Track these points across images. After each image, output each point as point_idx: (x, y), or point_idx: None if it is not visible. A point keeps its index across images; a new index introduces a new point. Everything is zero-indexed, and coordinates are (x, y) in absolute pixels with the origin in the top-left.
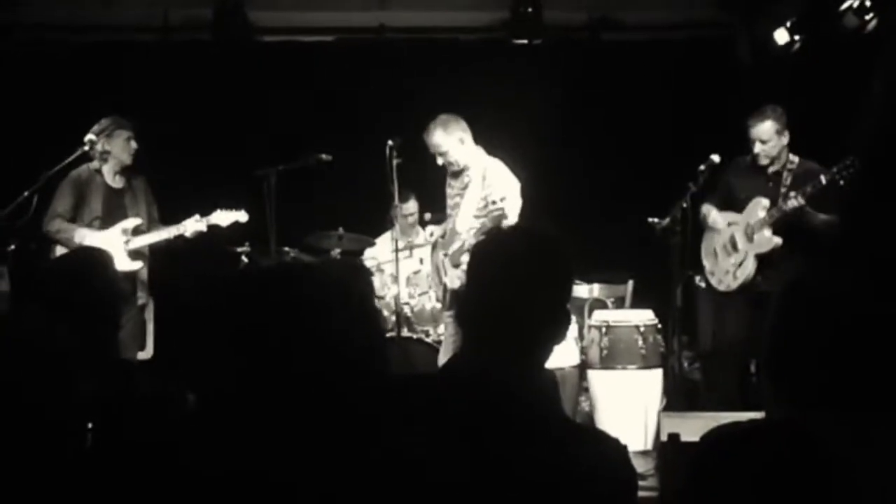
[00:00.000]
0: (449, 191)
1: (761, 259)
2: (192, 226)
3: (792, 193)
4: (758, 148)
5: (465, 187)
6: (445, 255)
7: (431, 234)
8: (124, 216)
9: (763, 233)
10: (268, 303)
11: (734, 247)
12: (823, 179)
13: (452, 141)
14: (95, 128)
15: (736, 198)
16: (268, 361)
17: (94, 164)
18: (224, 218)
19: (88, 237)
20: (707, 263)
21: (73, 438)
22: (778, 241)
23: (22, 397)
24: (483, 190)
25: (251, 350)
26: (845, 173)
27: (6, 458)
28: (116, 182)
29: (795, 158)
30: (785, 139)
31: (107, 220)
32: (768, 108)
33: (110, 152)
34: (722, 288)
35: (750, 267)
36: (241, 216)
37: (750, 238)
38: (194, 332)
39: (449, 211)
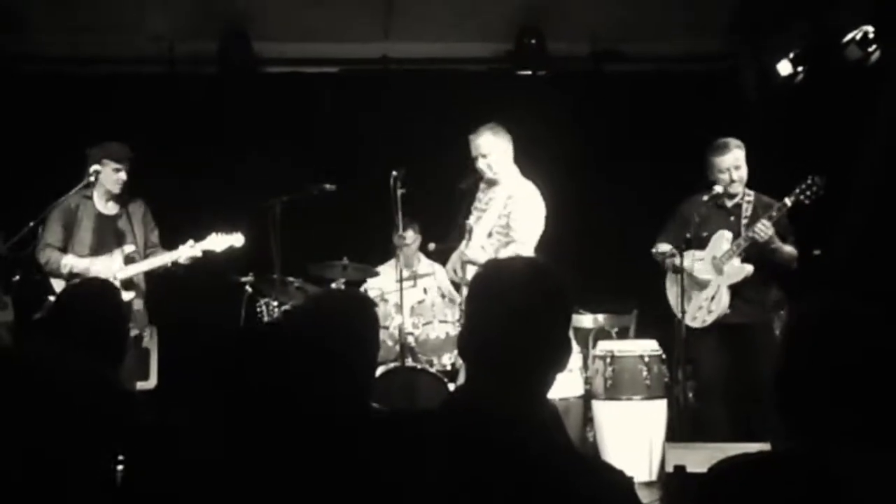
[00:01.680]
0: (477, 203)
1: (734, 290)
2: (187, 252)
3: (762, 223)
4: (734, 175)
5: (489, 204)
6: (461, 279)
7: (433, 248)
8: (118, 243)
9: (732, 263)
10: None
11: (704, 282)
12: (788, 202)
13: (499, 147)
14: (89, 153)
15: (698, 234)
16: (268, 401)
17: (86, 191)
18: (219, 242)
19: (77, 265)
20: (676, 304)
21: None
22: (750, 268)
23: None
24: (504, 210)
25: (249, 390)
26: (809, 193)
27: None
28: (109, 209)
29: (751, 192)
30: (746, 168)
31: (99, 249)
32: (731, 140)
33: (97, 180)
34: (696, 325)
35: (724, 299)
36: (237, 240)
37: (719, 271)
38: (197, 370)
39: (472, 223)
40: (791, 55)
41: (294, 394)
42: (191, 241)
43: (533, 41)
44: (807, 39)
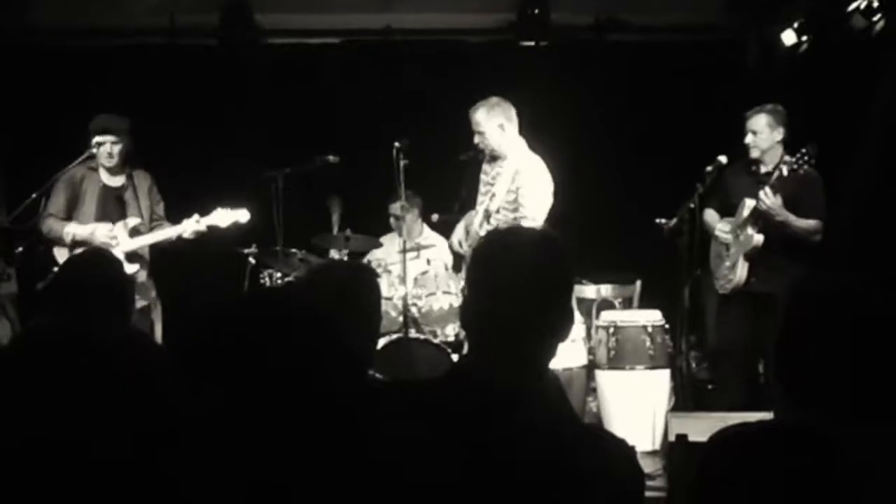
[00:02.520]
0: (483, 177)
1: (751, 259)
2: (191, 226)
3: (764, 192)
4: (748, 139)
5: (496, 178)
6: (470, 246)
7: (436, 219)
8: (123, 215)
9: (746, 231)
10: (270, 319)
11: (727, 250)
12: (785, 171)
13: (492, 124)
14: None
15: (731, 202)
16: (270, 373)
17: (91, 162)
18: (224, 218)
19: (79, 232)
20: (713, 266)
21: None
22: (759, 238)
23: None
24: (512, 184)
25: (252, 362)
26: (801, 161)
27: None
28: (114, 180)
29: (789, 158)
30: (777, 136)
31: (103, 220)
32: (769, 104)
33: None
34: (722, 291)
35: (740, 268)
36: (242, 216)
37: (737, 239)
38: (197, 341)
39: (480, 197)
40: (795, 25)
41: (295, 363)
42: (196, 216)
43: (536, 11)
44: (811, 9)
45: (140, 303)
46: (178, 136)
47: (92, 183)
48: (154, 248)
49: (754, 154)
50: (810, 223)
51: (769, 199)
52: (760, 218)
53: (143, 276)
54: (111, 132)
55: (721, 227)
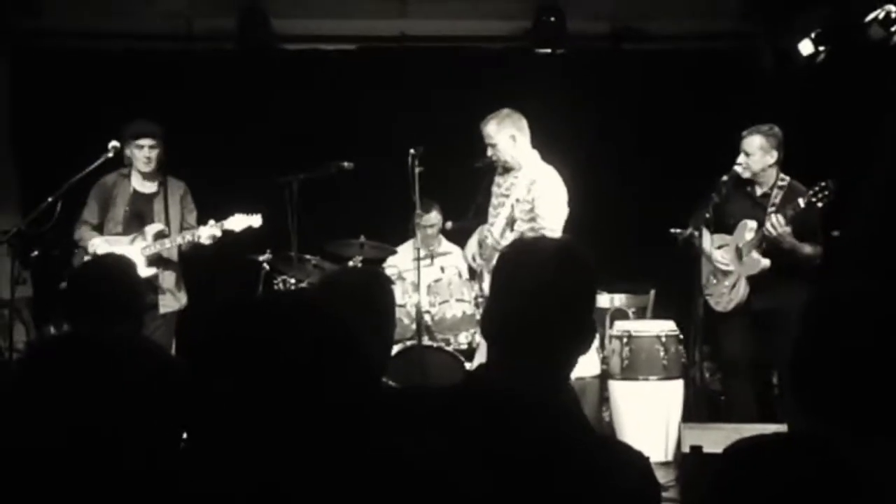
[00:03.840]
0: (495, 189)
1: (752, 280)
2: (207, 231)
3: (774, 218)
4: (741, 159)
5: (511, 190)
6: (485, 259)
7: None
8: (151, 221)
9: (752, 255)
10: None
11: (726, 269)
12: (801, 203)
13: (503, 136)
14: (122, 132)
15: (724, 220)
16: (281, 380)
17: (124, 169)
18: (239, 223)
19: (100, 246)
20: (706, 286)
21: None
22: (766, 263)
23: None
24: (528, 195)
25: (262, 362)
26: (822, 195)
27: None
28: (146, 187)
29: (786, 179)
30: (770, 159)
31: (130, 226)
32: (764, 125)
33: (130, 158)
34: (719, 309)
35: (742, 289)
36: (255, 221)
37: (740, 259)
38: (207, 339)
39: (492, 210)
40: (812, 35)
41: (306, 365)
42: (211, 221)
43: (552, 19)
44: (829, 19)
45: (166, 308)
46: (193, 141)
47: (123, 189)
48: (182, 254)
49: (745, 175)
50: (812, 250)
51: (780, 227)
52: (765, 241)
53: (169, 282)
54: (150, 136)
55: (720, 255)
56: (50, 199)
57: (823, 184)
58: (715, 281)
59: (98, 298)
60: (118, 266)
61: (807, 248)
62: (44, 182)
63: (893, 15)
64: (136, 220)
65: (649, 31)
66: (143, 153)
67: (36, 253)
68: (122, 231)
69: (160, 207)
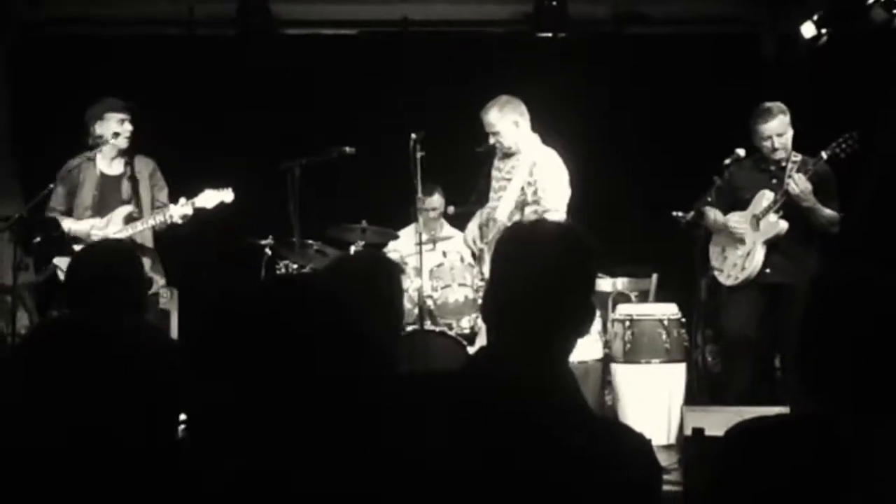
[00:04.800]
0: (496, 173)
1: (769, 247)
2: (178, 211)
3: (796, 175)
4: (776, 143)
5: (513, 172)
6: (486, 243)
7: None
8: (122, 203)
9: (768, 218)
10: (292, 302)
11: (741, 240)
12: (825, 155)
13: (506, 122)
14: (87, 114)
15: (742, 197)
16: (289, 361)
17: (89, 152)
18: (210, 199)
19: (74, 228)
20: (715, 262)
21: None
22: (784, 224)
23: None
24: (530, 177)
25: (270, 349)
26: (845, 146)
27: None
28: (113, 168)
29: (798, 155)
30: (792, 130)
31: (101, 209)
32: (775, 105)
33: (102, 136)
34: (729, 283)
35: (758, 256)
36: (227, 196)
37: (756, 227)
38: (211, 326)
39: (493, 194)
40: (815, 17)
41: (317, 353)
42: (182, 199)
43: (553, 3)
44: (831, 1)
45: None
46: (194, 126)
47: (89, 172)
48: (158, 236)
49: (780, 155)
50: (832, 214)
51: (802, 183)
52: (784, 206)
53: (146, 264)
54: (126, 110)
55: (735, 220)
56: (51, 186)
57: (847, 135)
58: (726, 255)
59: (100, 285)
60: (117, 252)
61: (826, 211)
62: (45, 168)
63: None
64: (105, 203)
65: (651, 15)
66: (126, 127)
67: (38, 239)
68: (92, 216)
69: (128, 188)
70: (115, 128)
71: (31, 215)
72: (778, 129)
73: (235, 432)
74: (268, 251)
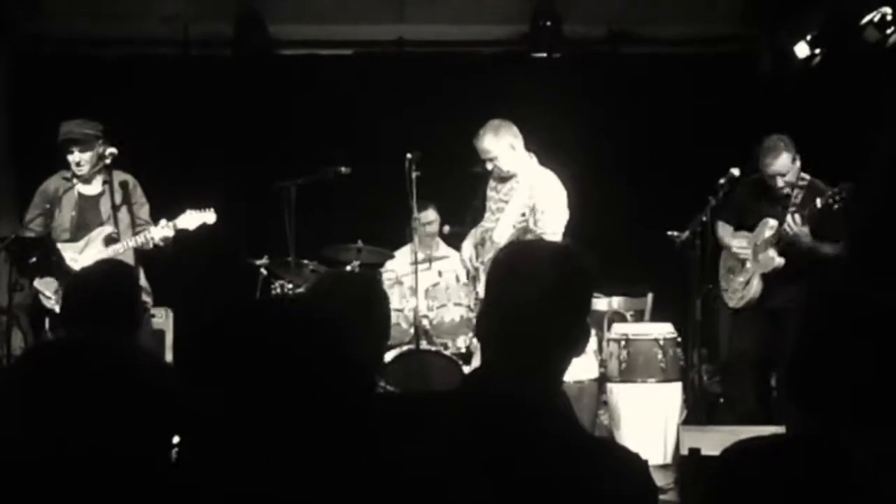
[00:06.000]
0: (492, 194)
1: (767, 278)
2: (159, 233)
3: (790, 217)
4: (779, 181)
5: (510, 194)
6: (482, 262)
7: (448, 231)
8: (99, 224)
9: (767, 252)
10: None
11: (743, 265)
12: (819, 203)
13: (503, 147)
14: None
15: (746, 219)
16: (280, 380)
17: (67, 172)
18: (192, 220)
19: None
20: (722, 281)
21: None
22: (780, 261)
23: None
24: (529, 200)
25: (261, 369)
26: (839, 198)
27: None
28: (91, 188)
29: (806, 177)
30: (797, 165)
31: (79, 231)
32: (779, 141)
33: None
34: (732, 304)
35: (755, 286)
36: (209, 217)
37: (756, 258)
38: (201, 344)
39: (489, 215)
40: (808, 37)
41: (299, 369)
42: (163, 221)
43: (549, 23)
44: (825, 21)
45: None
46: (190, 147)
47: (68, 193)
48: (143, 256)
49: (785, 191)
50: (835, 249)
51: (797, 227)
52: (783, 241)
53: None
54: (76, 141)
55: (738, 244)
56: (47, 206)
57: (840, 188)
58: (731, 276)
59: (98, 305)
60: (113, 272)
61: (826, 248)
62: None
63: (889, 17)
64: (84, 224)
65: (646, 35)
66: (73, 158)
67: (34, 259)
68: (71, 238)
69: (107, 208)
70: (68, 158)
71: (28, 235)
72: (780, 169)
73: (228, 453)
74: (263, 271)
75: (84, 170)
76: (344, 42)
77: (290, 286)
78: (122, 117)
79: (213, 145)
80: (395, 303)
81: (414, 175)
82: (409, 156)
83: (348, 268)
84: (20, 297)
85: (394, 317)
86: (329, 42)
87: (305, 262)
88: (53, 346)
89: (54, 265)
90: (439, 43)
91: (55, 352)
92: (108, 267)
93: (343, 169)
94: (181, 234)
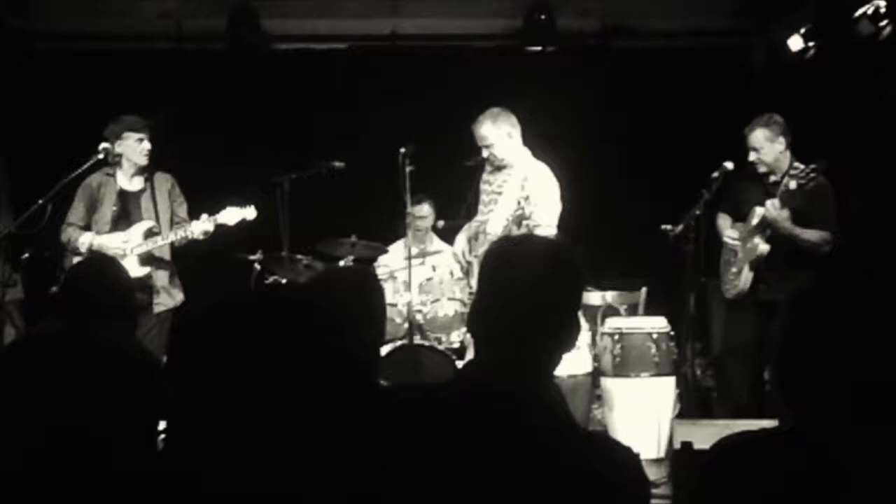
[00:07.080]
0: (486, 187)
1: (756, 267)
2: (199, 227)
3: (769, 202)
4: (752, 156)
5: (504, 186)
6: (476, 256)
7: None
8: (140, 219)
9: (753, 240)
10: (280, 320)
11: (735, 256)
12: (792, 184)
13: (500, 134)
14: (106, 132)
15: (742, 208)
16: (274, 376)
17: (109, 168)
18: (232, 216)
19: (94, 242)
20: (721, 272)
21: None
22: (765, 248)
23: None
24: (521, 192)
25: (256, 365)
26: (811, 175)
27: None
28: (132, 185)
29: (799, 166)
30: (780, 146)
31: (118, 225)
32: (763, 116)
33: (122, 155)
34: (727, 296)
35: (745, 275)
36: (249, 213)
37: (745, 246)
38: (199, 345)
39: (482, 207)
40: (802, 30)
41: (299, 368)
42: (204, 216)
43: (542, 17)
44: (818, 14)
45: (160, 307)
46: (184, 141)
47: (109, 188)
48: (176, 251)
49: (762, 169)
50: (818, 234)
51: (775, 210)
52: (768, 227)
53: (163, 280)
54: (146, 129)
55: (730, 234)
56: (40, 202)
57: (812, 165)
58: (727, 267)
59: (89, 299)
60: (108, 267)
61: (807, 234)
62: (34, 184)
63: (882, 10)
64: (125, 219)
65: (640, 29)
66: (145, 146)
67: (27, 255)
68: (110, 231)
69: (148, 204)
70: (133, 147)
71: (20, 231)
72: (753, 142)
73: (218, 445)
74: (257, 266)
75: (142, 161)
76: (338, 36)
77: (284, 281)
78: (115, 112)
79: (206, 140)
80: (388, 297)
81: (408, 169)
82: (402, 150)
83: (342, 262)
84: (13, 292)
85: (388, 312)
86: (323, 36)
87: (299, 256)
88: (30, 341)
89: (49, 261)
90: (433, 37)
91: (33, 345)
92: (98, 262)
93: (337, 163)
94: (219, 229)
